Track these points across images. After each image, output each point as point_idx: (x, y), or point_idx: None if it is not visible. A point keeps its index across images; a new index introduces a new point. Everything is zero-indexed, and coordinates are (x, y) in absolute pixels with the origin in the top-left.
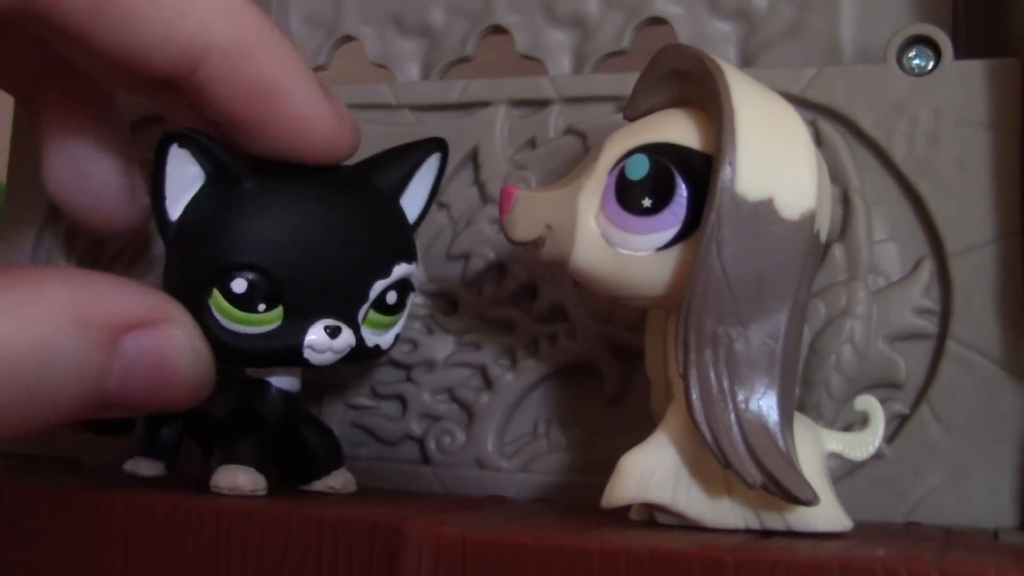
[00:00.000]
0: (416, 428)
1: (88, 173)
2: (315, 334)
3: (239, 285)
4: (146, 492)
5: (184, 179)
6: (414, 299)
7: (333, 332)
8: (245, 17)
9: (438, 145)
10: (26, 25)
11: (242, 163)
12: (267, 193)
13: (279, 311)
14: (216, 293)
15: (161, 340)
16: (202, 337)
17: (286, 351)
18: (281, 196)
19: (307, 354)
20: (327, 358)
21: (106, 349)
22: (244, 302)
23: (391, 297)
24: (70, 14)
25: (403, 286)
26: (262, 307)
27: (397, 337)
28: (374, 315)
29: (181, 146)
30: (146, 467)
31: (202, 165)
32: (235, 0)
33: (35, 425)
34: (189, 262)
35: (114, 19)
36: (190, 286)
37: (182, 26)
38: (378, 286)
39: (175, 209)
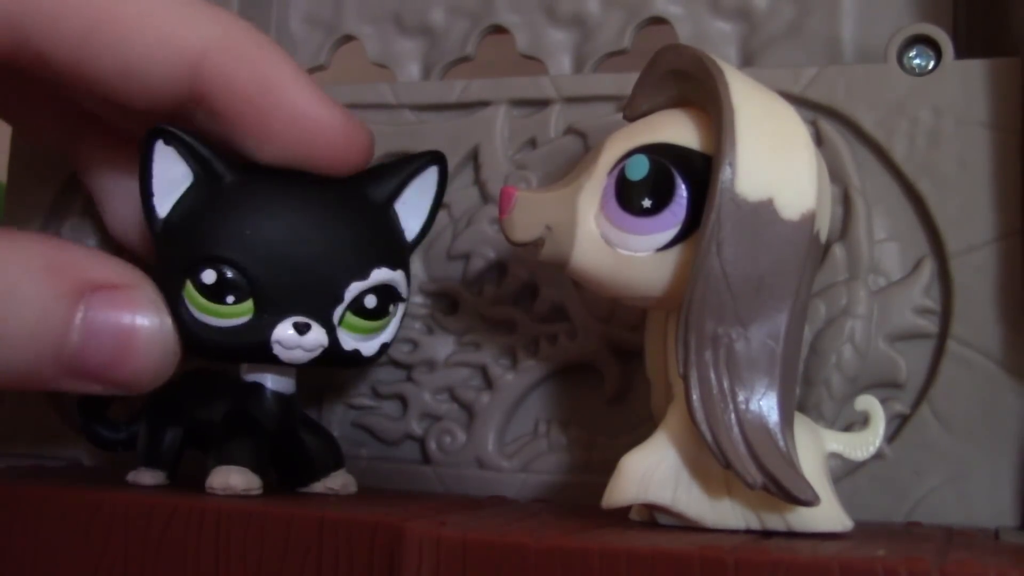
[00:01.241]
0: (417, 428)
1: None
2: (282, 331)
3: (208, 276)
4: (146, 493)
5: (172, 178)
6: (414, 299)
7: (302, 329)
8: (234, 23)
9: (436, 157)
10: (23, 66)
11: (227, 161)
12: (246, 191)
13: (248, 305)
14: (188, 284)
15: (126, 304)
16: (168, 315)
17: (254, 346)
18: (259, 194)
19: (276, 350)
20: (298, 355)
21: (71, 300)
22: (212, 293)
23: (370, 301)
24: (64, 41)
25: (385, 292)
26: (230, 299)
27: (384, 347)
28: (353, 319)
29: (167, 143)
30: (148, 477)
31: (189, 164)
32: (223, 10)
33: None
34: (171, 256)
35: (109, 38)
36: (169, 278)
37: (175, 36)
38: (354, 288)
39: (163, 207)
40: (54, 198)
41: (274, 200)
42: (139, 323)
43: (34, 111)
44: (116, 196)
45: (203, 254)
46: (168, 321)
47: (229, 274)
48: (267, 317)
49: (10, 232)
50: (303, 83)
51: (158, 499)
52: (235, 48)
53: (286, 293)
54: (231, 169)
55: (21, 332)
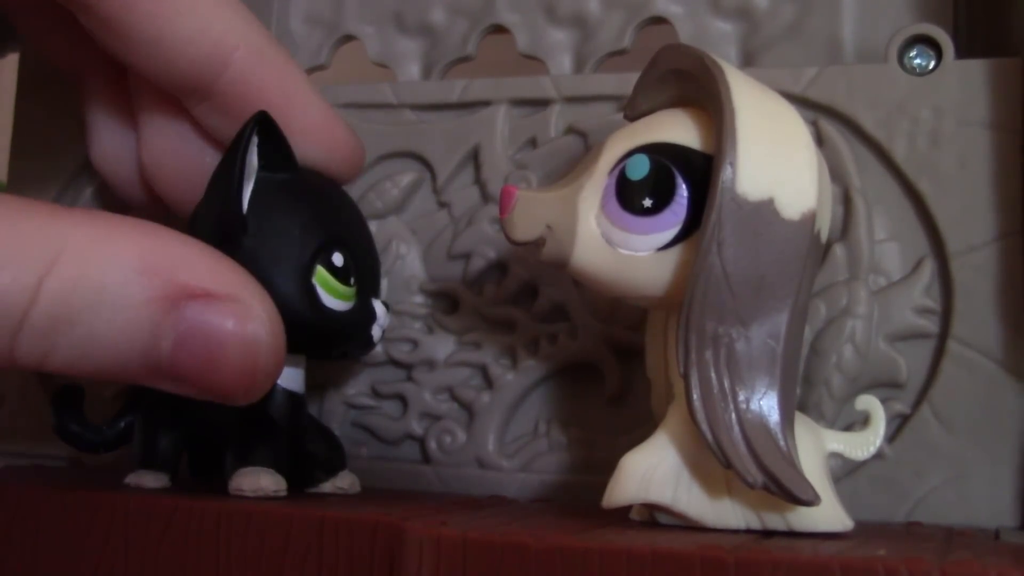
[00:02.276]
0: (417, 428)
1: (131, 146)
2: (379, 309)
3: (338, 259)
4: (147, 493)
5: (249, 171)
6: (414, 299)
7: (387, 307)
8: (261, 30)
9: None
10: (66, 8)
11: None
12: (312, 185)
13: (355, 289)
14: (321, 269)
15: (223, 314)
16: (275, 328)
17: (362, 327)
18: (323, 187)
19: (373, 329)
20: (379, 335)
21: (164, 307)
22: (344, 274)
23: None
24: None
25: None
26: (352, 280)
27: None
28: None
29: (259, 132)
30: (151, 479)
31: (260, 157)
32: (253, 16)
33: (86, 368)
34: (284, 247)
35: (151, 10)
36: (290, 271)
37: (212, 25)
38: (381, 271)
39: (244, 201)
40: (55, 198)
41: (336, 193)
42: (234, 336)
43: (51, 30)
44: (106, 129)
45: (326, 239)
46: (263, 332)
47: (350, 256)
48: (364, 300)
49: (107, 220)
50: (317, 96)
51: (158, 499)
52: (263, 52)
53: (371, 275)
54: (292, 160)
55: (109, 333)
